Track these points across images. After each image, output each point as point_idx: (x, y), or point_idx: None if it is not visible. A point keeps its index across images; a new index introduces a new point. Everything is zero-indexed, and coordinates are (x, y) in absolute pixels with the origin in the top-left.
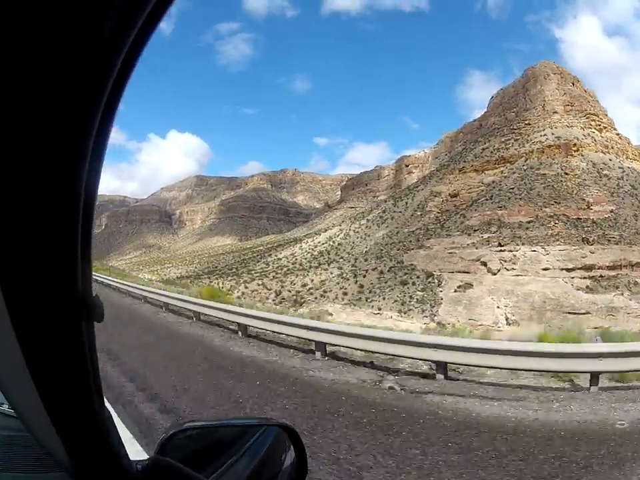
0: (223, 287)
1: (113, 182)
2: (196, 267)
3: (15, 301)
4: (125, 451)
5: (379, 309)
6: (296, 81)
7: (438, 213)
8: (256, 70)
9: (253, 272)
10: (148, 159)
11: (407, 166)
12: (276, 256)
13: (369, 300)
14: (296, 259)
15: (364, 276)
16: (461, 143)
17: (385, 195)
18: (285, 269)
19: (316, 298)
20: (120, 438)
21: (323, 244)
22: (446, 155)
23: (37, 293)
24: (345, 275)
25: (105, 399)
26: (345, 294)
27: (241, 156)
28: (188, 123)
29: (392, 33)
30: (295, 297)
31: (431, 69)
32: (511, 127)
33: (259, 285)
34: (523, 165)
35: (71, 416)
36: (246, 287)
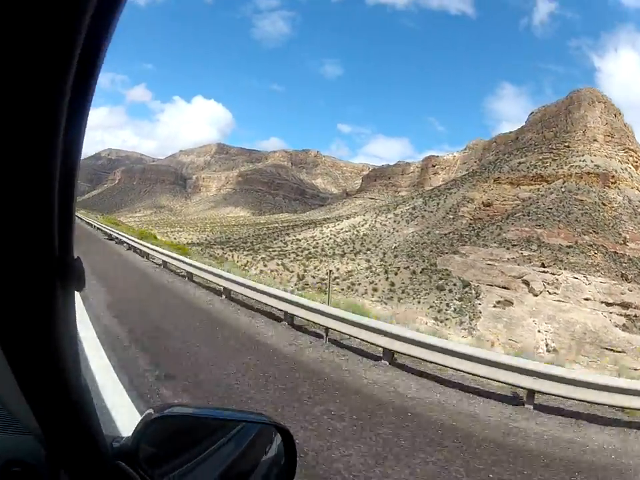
0: (237, 262)
1: (131, 138)
2: (208, 235)
3: None
4: (99, 424)
5: (414, 312)
6: (327, 65)
7: (470, 219)
8: (289, 49)
9: (270, 250)
10: (170, 121)
11: (434, 166)
12: (294, 236)
13: (401, 300)
14: (317, 243)
15: (395, 273)
16: (493, 152)
17: (407, 191)
18: (306, 252)
19: (342, 289)
20: (95, 410)
21: (346, 231)
22: (475, 162)
23: (5, 255)
24: (374, 269)
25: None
26: (375, 290)
27: (263, 130)
28: (215, 90)
29: (432, 33)
30: (319, 284)
31: (465, 75)
32: (550, 146)
33: (278, 264)
34: (561, 187)
35: (43, 383)
36: (265, 265)
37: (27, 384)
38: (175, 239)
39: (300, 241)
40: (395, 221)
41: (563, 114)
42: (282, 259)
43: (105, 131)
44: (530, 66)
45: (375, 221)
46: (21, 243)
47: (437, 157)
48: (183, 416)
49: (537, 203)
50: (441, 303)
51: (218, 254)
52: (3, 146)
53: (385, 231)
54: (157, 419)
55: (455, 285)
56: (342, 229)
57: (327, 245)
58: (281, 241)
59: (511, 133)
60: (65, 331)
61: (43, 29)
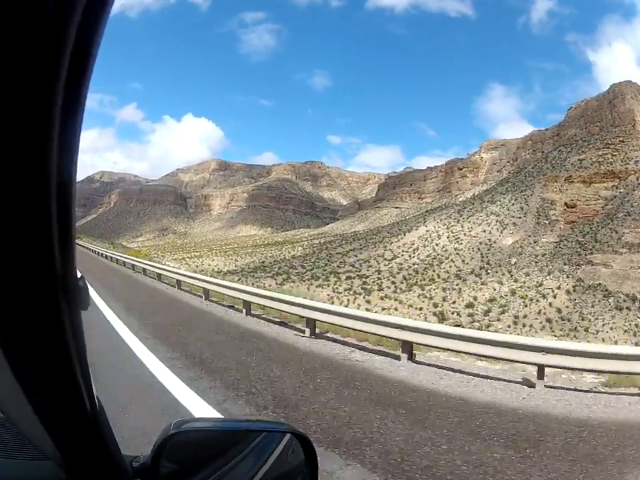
0: (313, 291)
1: (122, 160)
2: (235, 260)
3: None
4: (117, 445)
5: (615, 342)
6: (315, 77)
7: (565, 223)
8: (276, 62)
9: (342, 274)
10: (161, 140)
11: (460, 169)
12: (355, 256)
13: (589, 330)
14: (401, 264)
15: (554, 297)
16: (530, 150)
17: (431, 197)
18: (399, 275)
19: (509, 326)
20: (112, 431)
21: (424, 246)
22: (509, 161)
23: (7, 276)
24: (518, 292)
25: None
26: (549, 321)
27: (256, 146)
28: (205, 108)
29: (417, 37)
30: (471, 321)
31: (452, 78)
32: (604, 141)
33: (392, 296)
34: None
35: (56, 408)
36: (383, 298)
37: (42, 409)
38: (197, 265)
39: (368, 261)
40: (483, 231)
41: (606, 108)
42: (380, 287)
43: (94, 153)
44: (517, 65)
45: (449, 232)
46: (22, 265)
47: (462, 159)
48: (200, 430)
49: (626, 201)
50: (630, 324)
51: (270, 284)
52: (1, 169)
53: (478, 243)
54: (175, 435)
55: (624, 301)
56: (413, 244)
57: (413, 264)
58: (344, 263)
59: (546, 129)
60: (75, 351)
61: (26, 44)
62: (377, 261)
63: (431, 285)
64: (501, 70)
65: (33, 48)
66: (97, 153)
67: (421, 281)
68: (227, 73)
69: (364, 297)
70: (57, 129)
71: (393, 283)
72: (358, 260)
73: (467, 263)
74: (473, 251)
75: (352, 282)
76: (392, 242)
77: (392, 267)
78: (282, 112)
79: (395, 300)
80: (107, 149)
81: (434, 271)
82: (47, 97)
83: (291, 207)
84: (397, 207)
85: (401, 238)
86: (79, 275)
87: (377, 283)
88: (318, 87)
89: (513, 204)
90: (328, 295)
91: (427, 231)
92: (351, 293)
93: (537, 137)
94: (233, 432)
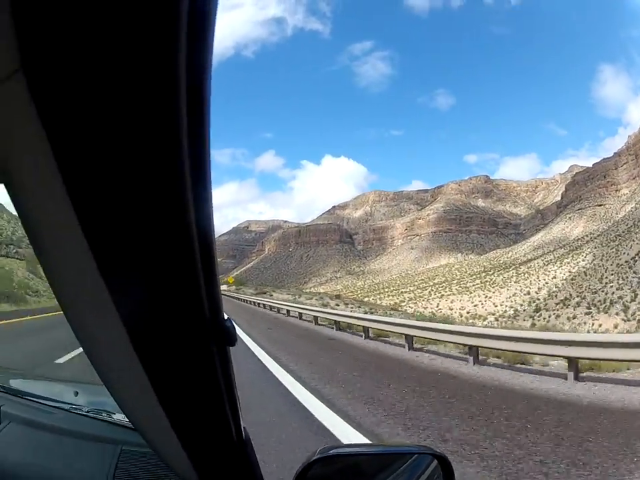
0: None
1: (268, 211)
2: (483, 296)
3: (133, 323)
4: (261, 475)
5: None
6: (438, 96)
7: None
8: (396, 89)
9: None
10: (302, 186)
11: None
12: None
13: None
14: None
15: None
16: None
17: (627, 187)
18: None
19: None
20: (257, 461)
21: None
22: None
23: (156, 317)
24: None
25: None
26: None
27: (402, 176)
28: (340, 148)
29: (521, 34)
30: None
31: (563, 70)
32: None
33: None
34: None
35: (203, 439)
36: None
37: (188, 440)
38: (438, 310)
39: None
40: None
41: None
42: None
43: (237, 206)
44: (616, 38)
45: None
46: (177, 312)
47: None
48: (345, 455)
49: None
50: None
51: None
52: (150, 226)
53: None
54: (318, 461)
55: None
56: None
57: None
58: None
59: None
60: (225, 385)
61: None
62: None
63: None
64: (604, 47)
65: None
66: (240, 205)
67: None
68: (352, 109)
69: None
70: (189, 179)
71: None
72: None
73: None
74: None
75: None
76: None
77: None
78: (414, 139)
79: None
80: (249, 200)
81: None
82: (176, 151)
83: (473, 227)
84: (600, 205)
85: None
86: (225, 316)
87: None
88: (443, 107)
89: None
90: None
91: None
92: None
93: None
94: (378, 456)
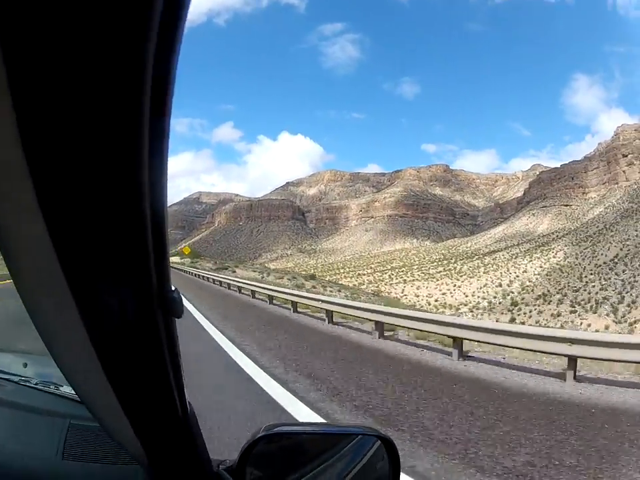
0: None
1: (220, 183)
2: (452, 284)
3: (81, 293)
4: (206, 449)
5: None
6: (403, 84)
7: None
8: (362, 73)
9: None
10: (257, 160)
11: (625, 156)
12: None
13: None
14: None
15: None
16: None
17: (596, 192)
18: None
19: None
20: (201, 435)
21: None
22: None
23: (103, 287)
24: None
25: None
26: None
27: (358, 159)
28: (299, 125)
29: (501, 31)
30: None
31: (537, 72)
32: None
33: None
34: None
35: (148, 413)
36: None
37: (134, 414)
38: (436, 301)
39: None
40: None
41: None
42: None
43: (190, 176)
44: (596, 51)
45: None
46: (124, 280)
47: (623, 144)
48: (289, 433)
49: None
50: None
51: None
52: (99, 193)
53: None
54: (262, 438)
55: None
56: None
57: None
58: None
59: None
60: (170, 358)
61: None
62: None
63: None
64: (582, 58)
65: (123, 68)
66: (193, 176)
67: None
68: (315, 89)
69: None
70: (147, 149)
71: None
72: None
73: None
74: None
75: None
76: None
77: None
78: (375, 124)
79: None
80: (204, 171)
81: None
82: (135, 118)
83: (430, 214)
84: (567, 205)
85: None
86: (172, 287)
87: None
88: (408, 95)
89: None
90: None
91: None
92: None
93: None
94: (322, 436)
